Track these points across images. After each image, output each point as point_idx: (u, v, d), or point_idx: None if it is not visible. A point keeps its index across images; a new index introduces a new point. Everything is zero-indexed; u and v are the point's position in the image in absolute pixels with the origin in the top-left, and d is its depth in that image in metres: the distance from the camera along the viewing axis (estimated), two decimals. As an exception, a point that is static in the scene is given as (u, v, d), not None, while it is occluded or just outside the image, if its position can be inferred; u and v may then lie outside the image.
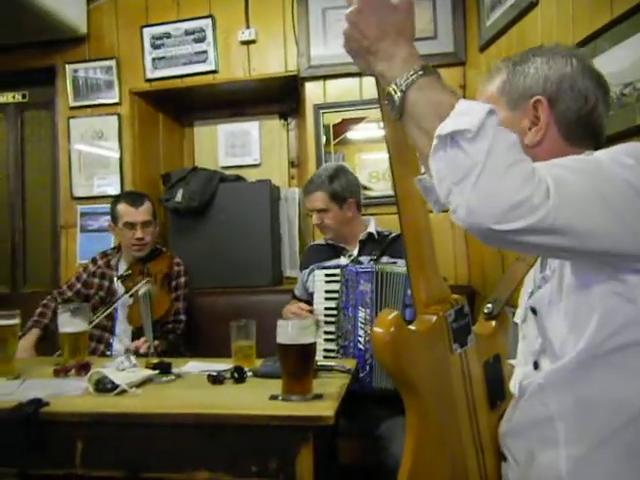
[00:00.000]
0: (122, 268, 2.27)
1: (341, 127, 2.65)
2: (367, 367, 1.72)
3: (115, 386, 1.31)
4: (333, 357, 1.80)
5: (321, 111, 2.64)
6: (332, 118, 2.65)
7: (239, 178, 2.92)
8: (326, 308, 1.89)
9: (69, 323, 1.66)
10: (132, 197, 2.25)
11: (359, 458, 1.77)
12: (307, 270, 2.08)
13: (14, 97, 3.20)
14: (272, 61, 2.70)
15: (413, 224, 0.93)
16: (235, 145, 3.15)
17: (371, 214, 2.20)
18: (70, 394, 1.32)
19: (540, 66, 0.88)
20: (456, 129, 0.67)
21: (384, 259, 1.95)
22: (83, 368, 1.53)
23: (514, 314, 1.81)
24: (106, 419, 1.19)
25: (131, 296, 2.05)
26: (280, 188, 2.92)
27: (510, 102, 0.89)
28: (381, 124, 2.64)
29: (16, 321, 1.54)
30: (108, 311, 2.09)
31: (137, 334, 2.15)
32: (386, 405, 1.65)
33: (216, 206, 2.73)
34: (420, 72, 0.75)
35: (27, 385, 1.41)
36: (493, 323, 1.04)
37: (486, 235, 0.68)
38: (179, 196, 2.70)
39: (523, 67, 0.89)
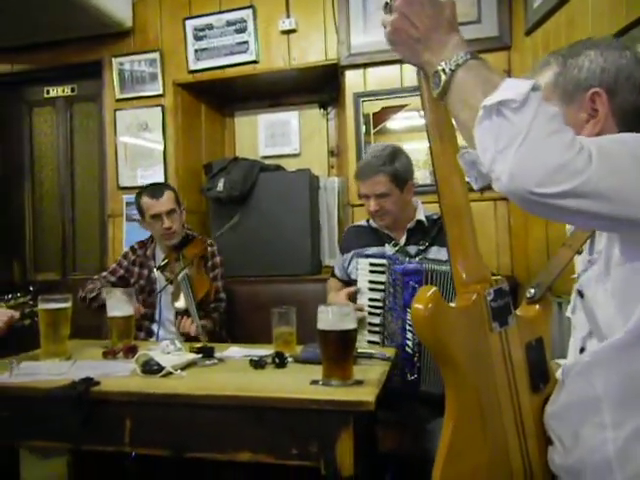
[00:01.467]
0: (159, 257, 2.33)
1: (381, 116, 2.63)
2: (415, 370, 1.67)
3: (161, 368, 1.35)
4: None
5: (361, 100, 2.62)
6: (372, 107, 2.63)
7: (279, 168, 2.95)
8: (370, 299, 1.83)
9: (117, 308, 1.72)
10: (152, 190, 2.26)
11: (398, 446, 1.77)
12: (349, 255, 2.03)
13: (63, 91, 3.32)
14: (312, 50, 2.70)
15: (453, 203, 0.94)
16: (275, 135, 3.18)
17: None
18: (118, 375, 1.37)
19: (594, 58, 0.89)
20: (502, 99, 0.70)
21: (433, 249, 1.87)
22: (130, 351, 1.59)
23: (560, 305, 1.77)
24: (153, 399, 1.23)
25: (172, 283, 2.11)
26: (319, 177, 2.92)
27: (565, 95, 0.89)
28: (422, 112, 2.61)
29: (68, 304, 1.60)
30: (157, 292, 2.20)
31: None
32: (431, 407, 1.61)
33: (256, 195, 2.76)
34: (469, 55, 0.79)
35: (78, 365, 1.47)
36: (536, 307, 1.03)
37: (528, 200, 0.69)
38: (220, 186, 2.74)
39: (576, 60, 0.89)
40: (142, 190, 2.30)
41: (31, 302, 1.65)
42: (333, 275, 2.18)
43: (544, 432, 0.95)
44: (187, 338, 2.13)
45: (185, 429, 1.22)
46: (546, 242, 2.12)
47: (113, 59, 2.97)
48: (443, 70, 0.79)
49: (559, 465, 0.91)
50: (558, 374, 0.97)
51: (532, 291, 1.04)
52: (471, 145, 0.77)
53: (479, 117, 0.73)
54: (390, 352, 1.55)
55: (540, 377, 0.98)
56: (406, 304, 1.71)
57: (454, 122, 0.87)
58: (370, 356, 1.48)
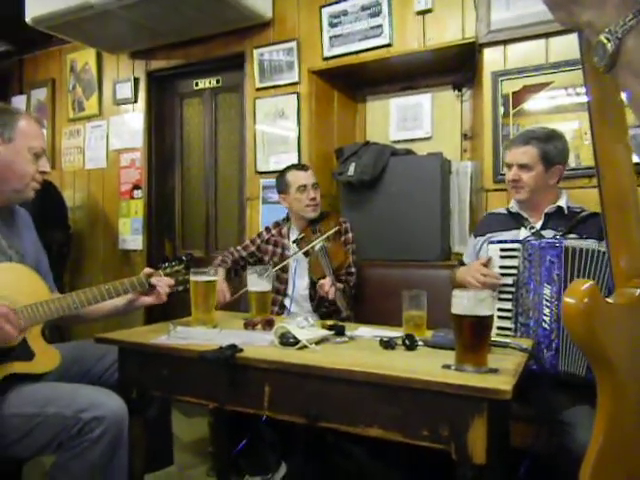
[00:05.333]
0: (294, 235, 2.48)
1: (521, 95, 2.46)
2: (552, 348, 1.59)
3: (297, 341, 1.43)
4: (508, 335, 1.72)
5: (500, 79, 2.48)
6: (511, 86, 2.47)
7: (410, 152, 2.92)
8: (502, 284, 1.77)
9: (256, 283, 1.84)
10: (298, 165, 2.54)
11: (532, 442, 1.69)
12: (482, 238, 1.99)
13: (210, 82, 3.60)
14: (448, 29, 2.61)
15: (615, 189, 0.85)
16: (407, 118, 3.14)
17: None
18: (259, 344, 1.48)
19: None
20: None
21: (571, 237, 1.77)
22: (267, 323, 1.70)
23: None
24: (291, 369, 1.30)
25: (306, 255, 2.25)
26: (451, 161, 2.85)
27: None
28: (569, 90, 2.40)
29: (216, 277, 1.76)
30: (283, 263, 2.34)
31: (319, 301, 2.34)
32: (570, 391, 1.53)
33: (387, 180, 2.77)
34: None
35: (224, 333, 1.61)
36: None
37: None
38: (351, 170, 2.79)
39: None
40: (287, 168, 2.53)
41: (184, 271, 1.83)
42: (461, 263, 2.13)
43: None
44: (319, 302, 2.24)
45: (319, 400, 1.28)
46: None
47: (254, 50, 3.14)
48: (607, 38, 0.66)
49: None
50: None
51: None
52: None
53: None
54: (527, 343, 1.48)
55: None
56: (543, 278, 1.64)
57: (624, 98, 0.74)
58: (505, 345, 1.43)
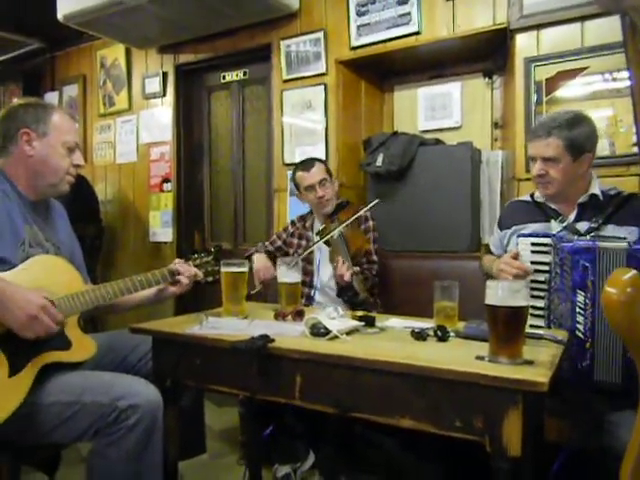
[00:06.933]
0: (317, 227, 2.49)
1: (555, 81, 2.40)
2: (587, 357, 1.51)
3: (328, 331, 1.43)
4: None
5: (533, 65, 2.42)
6: (545, 72, 2.41)
7: (438, 142, 2.88)
8: (533, 281, 1.67)
9: (286, 275, 1.84)
10: (304, 163, 2.50)
11: (566, 438, 1.65)
12: (508, 231, 1.92)
13: (237, 75, 3.61)
14: (479, 15, 2.56)
15: None
16: (435, 108, 3.09)
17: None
18: (289, 335, 1.48)
19: None
20: None
21: (609, 227, 1.67)
22: (298, 314, 1.70)
23: None
24: (322, 359, 1.30)
25: (327, 244, 2.22)
26: (482, 151, 2.79)
27: None
28: (605, 75, 2.33)
29: (245, 269, 1.77)
30: (307, 252, 2.28)
31: (341, 289, 2.32)
32: (608, 399, 1.48)
33: (415, 170, 2.74)
34: None
35: (255, 324, 1.62)
36: None
37: None
38: (379, 160, 2.76)
39: None
40: (296, 166, 2.54)
41: (213, 262, 1.85)
42: (489, 252, 2.08)
43: None
44: (340, 290, 2.21)
45: (350, 390, 1.28)
46: None
47: (281, 42, 3.13)
48: None
49: None
50: None
51: None
52: None
53: None
54: (562, 334, 1.45)
55: None
56: (576, 285, 1.55)
57: None
58: (540, 337, 1.40)
